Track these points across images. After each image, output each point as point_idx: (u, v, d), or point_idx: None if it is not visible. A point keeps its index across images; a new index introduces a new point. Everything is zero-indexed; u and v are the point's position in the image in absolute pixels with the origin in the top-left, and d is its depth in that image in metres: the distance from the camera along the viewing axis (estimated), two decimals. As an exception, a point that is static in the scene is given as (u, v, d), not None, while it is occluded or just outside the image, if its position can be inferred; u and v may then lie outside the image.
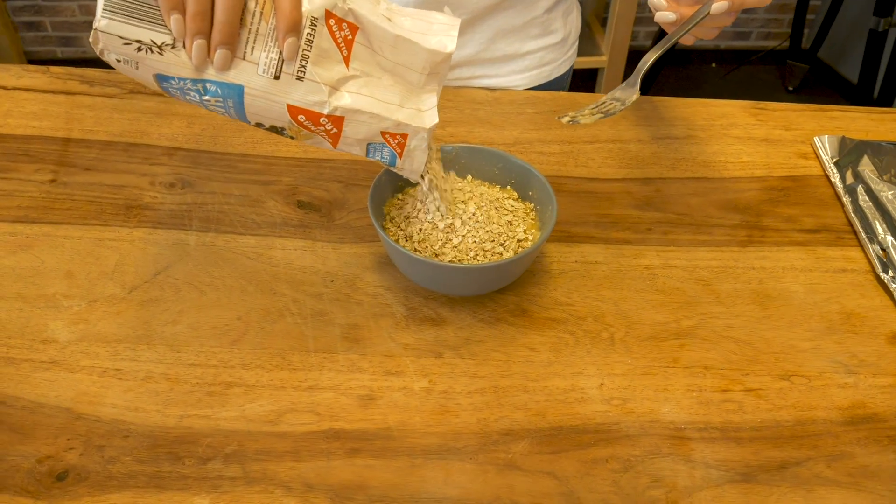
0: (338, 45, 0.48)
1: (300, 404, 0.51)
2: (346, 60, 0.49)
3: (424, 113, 0.52)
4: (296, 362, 0.54)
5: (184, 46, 0.46)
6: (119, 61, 0.47)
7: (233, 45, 0.46)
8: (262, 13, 0.46)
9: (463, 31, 0.79)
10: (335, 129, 0.50)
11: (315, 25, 0.46)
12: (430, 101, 0.52)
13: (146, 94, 0.79)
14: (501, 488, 0.47)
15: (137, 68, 0.47)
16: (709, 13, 0.57)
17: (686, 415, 0.52)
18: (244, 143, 0.73)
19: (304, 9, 0.46)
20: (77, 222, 0.64)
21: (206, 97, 0.48)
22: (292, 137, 0.52)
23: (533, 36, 0.82)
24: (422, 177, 0.56)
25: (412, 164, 0.54)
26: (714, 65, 2.78)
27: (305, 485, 0.47)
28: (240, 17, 0.45)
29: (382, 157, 0.53)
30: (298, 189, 0.68)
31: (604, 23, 2.31)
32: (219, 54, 0.45)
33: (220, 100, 0.48)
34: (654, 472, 0.48)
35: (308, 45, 0.47)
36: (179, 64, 0.46)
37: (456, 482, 0.47)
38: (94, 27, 0.45)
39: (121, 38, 0.45)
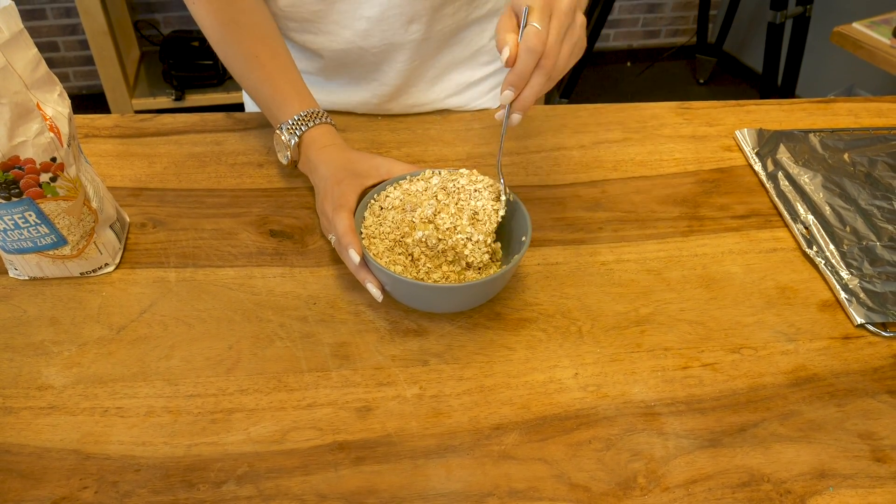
0: None
1: (302, 422, 0.54)
2: None
3: None
4: (292, 383, 0.57)
5: None
6: None
7: None
8: None
9: (414, 72, 0.84)
10: None
11: None
12: None
13: (102, 138, 0.80)
14: (499, 477, 0.51)
15: None
16: (506, 107, 0.58)
17: (654, 393, 0.57)
18: (208, 179, 0.76)
19: None
20: (54, 270, 0.65)
21: None
22: None
23: (483, 63, 0.87)
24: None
25: None
26: (629, 63, 2.92)
27: (318, 495, 0.50)
28: None
29: None
30: (269, 218, 0.71)
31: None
32: None
33: None
34: (633, 447, 0.53)
35: None
36: None
37: (457, 477, 0.51)
38: None
39: None
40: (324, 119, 0.71)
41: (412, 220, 0.61)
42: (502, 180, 0.62)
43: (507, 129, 0.60)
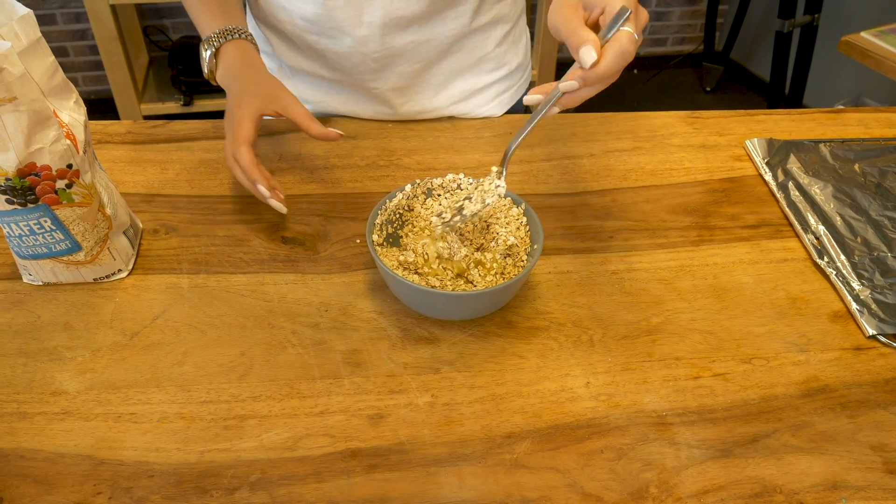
0: None
1: (314, 429, 0.54)
2: None
3: None
4: (304, 390, 0.57)
5: None
6: None
7: None
8: None
9: (418, 78, 0.84)
10: None
11: None
12: None
13: (115, 144, 0.81)
14: (511, 486, 0.51)
15: None
16: (561, 92, 0.56)
17: (665, 403, 0.57)
18: (220, 185, 0.76)
19: None
20: (68, 275, 0.65)
21: None
22: None
23: (487, 70, 0.88)
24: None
25: None
26: (635, 71, 2.92)
27: (331, 503, 0.50)
28: None
29: None
30: (281, 225, 0.71)
31: (532, 37, 2.40)
32: None
33: None
34: (645, 456, 0.53)
35: None
36: None
37: (469, 485, 0.51)
38: None
39: None
40: (241, 35, 0.74)
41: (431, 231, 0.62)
42: (504, 170, 0.61)
43: (537, 122, 0.58)
